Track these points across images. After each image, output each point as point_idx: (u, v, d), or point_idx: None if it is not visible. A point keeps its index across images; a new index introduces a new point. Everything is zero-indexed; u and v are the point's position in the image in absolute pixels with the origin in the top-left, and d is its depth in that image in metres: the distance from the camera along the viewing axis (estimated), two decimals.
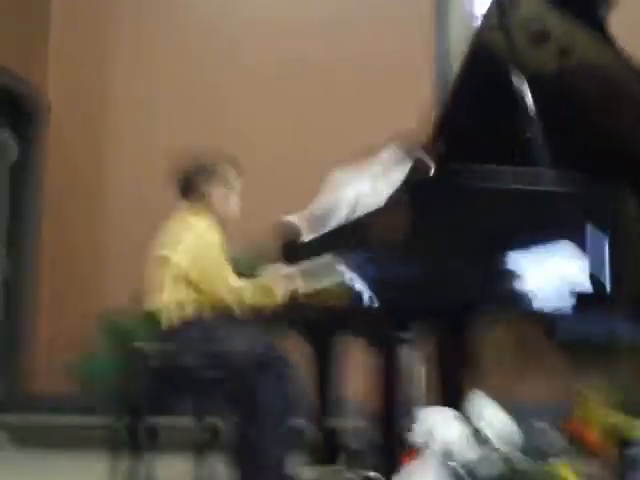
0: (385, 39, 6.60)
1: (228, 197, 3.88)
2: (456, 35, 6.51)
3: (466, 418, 3.11)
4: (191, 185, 3.88)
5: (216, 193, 3.85)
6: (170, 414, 5.45)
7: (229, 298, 3.66)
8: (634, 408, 5.41)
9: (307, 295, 3.60)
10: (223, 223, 3.85)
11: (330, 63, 6.62)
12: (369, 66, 6.58)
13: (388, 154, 3.80)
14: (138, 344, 3.81)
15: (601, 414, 3.92)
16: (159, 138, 6.70)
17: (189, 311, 3.71)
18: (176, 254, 3.73)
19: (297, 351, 4.13)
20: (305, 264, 3.60)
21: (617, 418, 3.81)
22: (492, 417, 3.28)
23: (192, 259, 3.69)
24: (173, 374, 3.62)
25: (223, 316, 3.74)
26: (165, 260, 3.77)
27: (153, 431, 3.62)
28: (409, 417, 3.15)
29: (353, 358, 4.28)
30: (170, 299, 3.73)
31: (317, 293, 3.49)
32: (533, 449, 3.35)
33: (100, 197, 6.87)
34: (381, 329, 3.32)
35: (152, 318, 5.62)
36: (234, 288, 3.67)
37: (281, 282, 3.67)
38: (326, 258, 3.24)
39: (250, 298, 3.66)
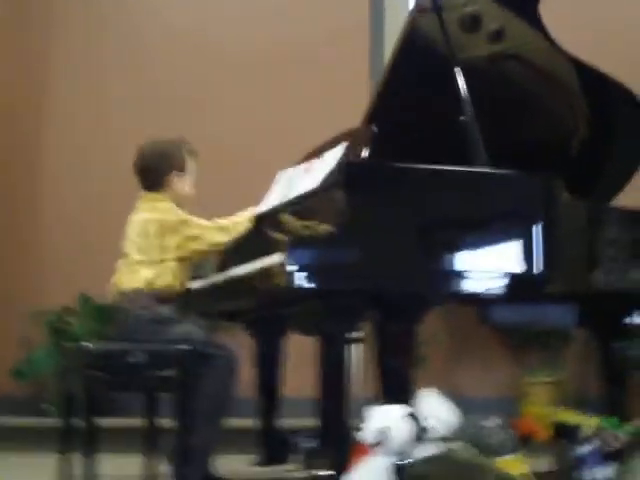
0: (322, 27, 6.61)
1: (184, 180, 3.87)
2: (393, 22, 6.49)
3: (416, 416, 3.07)
4: (148, 174, 3.85)
5: (173, 178, 3.83)
6: (118, 414, 5.44)
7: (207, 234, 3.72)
8: (578, 400, 5.47)
9: (246, 277, 3.57)
10: (181, 206, 3.84)
11: (270, 58, 6.59)
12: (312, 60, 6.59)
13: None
14: (81, 343, 3.73)
15: (549, 411, 3.92)
16: (108, 127, 6.67)
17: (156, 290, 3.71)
18: (143, 238, 3.74)
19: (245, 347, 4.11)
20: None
21: (565, 415, 3.80)
22: (443, 414, 3.26)
23: (161, 227, 3.72)
24: (117, 372, 3.56)
25: (168, 309, 3.72)
26: (135, 245, 3.77)
27: (94, 431, 3.53)
28: (359, 415, 3.11)
29: (301, 354, 4.25)
30: (135, 281, 3.72)
31: (256, 273, 3.44)
32: (485, 446, 3.34)
33: (42, 196, 6.77)
34: (324, 323, 3.31)
35: (99, 315, 5.56)
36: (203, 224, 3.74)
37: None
38: None
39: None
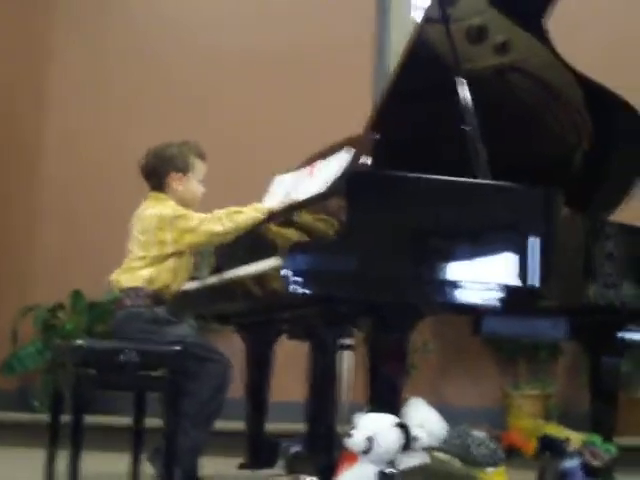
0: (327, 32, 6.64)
1: (188, 182, 3.87)
2: (397, 31, 6.52)
3: (405, 425, 3.07)
4: (149, 176, 3.88)
5: (175, 179, 3.85)
6: (107, 412, 5.43)
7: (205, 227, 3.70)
8: (565, 414, 5.48)
9: (242, 279, 3.57)
10: (187, 206, 3.84)
11: (273, 62, 6.61)
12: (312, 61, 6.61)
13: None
14: (72, 340, 3.73)
15: (536, 425, 3.93)
16: (106, 125, 6.70)
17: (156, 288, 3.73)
18: (145, 234, 3.75)
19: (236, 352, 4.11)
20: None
21: (551, 429, 3.81)
22: (430, 424, 3.27)
23: (158, 221, 3.72)
24: (107, 370, 3.55)
25: (164, 310, 3.72)
26: (137, 242, 3.78)
27: (81, 428, 3.53)
28: (348, 422, 3.12)
29: (291, 359, 4.26)
30: (135, 279, 3.72)
31: (253, 276, 3.45)
32: (470, 457, 3.34)
33: (39, 194, 6.77)
34: (316, 329, 3.31)
35: (90, 312, 5.54)
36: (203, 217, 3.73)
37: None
38: None
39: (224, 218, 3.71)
